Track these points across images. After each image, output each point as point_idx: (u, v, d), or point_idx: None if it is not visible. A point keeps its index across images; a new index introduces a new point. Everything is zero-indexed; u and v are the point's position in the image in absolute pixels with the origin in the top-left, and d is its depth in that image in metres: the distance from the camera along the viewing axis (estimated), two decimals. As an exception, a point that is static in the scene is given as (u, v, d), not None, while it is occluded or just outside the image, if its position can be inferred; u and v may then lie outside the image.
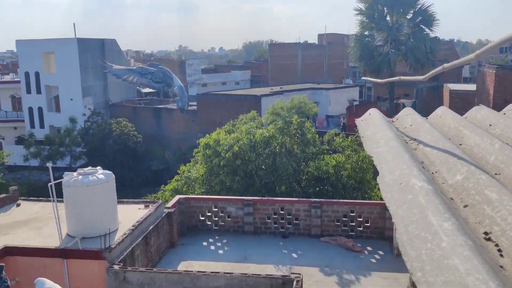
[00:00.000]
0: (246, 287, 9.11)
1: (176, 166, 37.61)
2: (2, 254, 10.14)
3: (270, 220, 13.60)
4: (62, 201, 12.58)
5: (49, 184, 10.21)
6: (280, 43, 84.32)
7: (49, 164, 10.47)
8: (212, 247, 13.17)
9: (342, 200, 14.11)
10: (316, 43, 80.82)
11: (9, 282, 3.23)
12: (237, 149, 15.97)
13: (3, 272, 3.24)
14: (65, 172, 11.41)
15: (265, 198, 14.13)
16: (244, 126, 16.98)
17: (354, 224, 13.23)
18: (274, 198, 14.01)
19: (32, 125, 41.76)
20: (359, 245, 12.61)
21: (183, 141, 40.38)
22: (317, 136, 17.76)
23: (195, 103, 43.27)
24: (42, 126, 41.47)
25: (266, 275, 9.19)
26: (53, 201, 10.23)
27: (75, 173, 11.14)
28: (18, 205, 13.25)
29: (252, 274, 9.24)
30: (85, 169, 11.32)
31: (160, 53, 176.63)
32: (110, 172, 11.49)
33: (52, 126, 41.15)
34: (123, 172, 33.55)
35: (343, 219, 13.28)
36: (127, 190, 32.05)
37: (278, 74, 63.66)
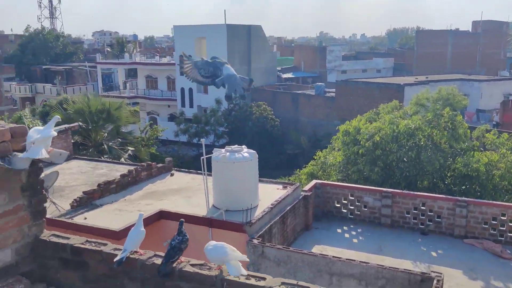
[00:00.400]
0: (382, 279, 8.93)
1: (311, 151, 38.00)
2: (158, 217, 11.34)
3: (409, 215, 13.08)
4: (209, 174, 13.63)
5: (201, 158, 11.12)
6: (428, 30, 79.25)
7: (202, 140, 11.38)
8: (347, 235, 13.12)
9: (492, 202, 12.97)
10: (470, 30, 74.26)
11: (188, 236, 3.62)
12: (378, 138, 15.56)
13: (183, 226, 3.64)
14: (215, 148, 12.31)
15: (406, 191, 13.59)
16: (388, 115, 16.44)
17: (504, 228, 12.09)
18: (416, 193, 13.41)
19: (183, 104, 45.48)
20: (509, 252, 11.52)
21: (319, 127, 40.53)
22: (469, 131, 16.47)
23: (333, 90, 43.04)
24: (191, 105, 44.93)
25: (404, 269, 8.90)
26: (204, 174, 11.11)
27: (223, 150, 11.94)
28: (172, 174, 14.64)
29: (389, 267, 9.03)
30: (232, 146, 12.04)
31: (300, 39, 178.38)
32: (254, 151, 12.08)
33: (199, 106, 44.36)
34: (259, 153, 34.69)
35: (492, 222, 12.22)
36: (262, 171, 33.21)
37: (424, 62, 60.04)
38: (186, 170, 15.46)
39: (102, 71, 54.19)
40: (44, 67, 59.33)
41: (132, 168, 14.10)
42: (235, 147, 12.00)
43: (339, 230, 13.34)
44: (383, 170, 15.72)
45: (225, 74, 5.19)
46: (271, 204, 11.52)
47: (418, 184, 15.24)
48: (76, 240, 3.82)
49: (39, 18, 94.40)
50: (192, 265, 3.48)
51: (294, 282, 3.12)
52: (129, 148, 23.92)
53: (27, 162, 3.45)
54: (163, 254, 3.59)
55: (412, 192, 13.41)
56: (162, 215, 11.43)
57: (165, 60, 51.75)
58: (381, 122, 16.36)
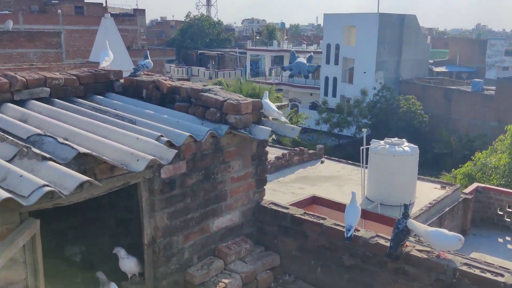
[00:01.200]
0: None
1: (460, 152, 35.25)
2: (310, 201, 11.57)
3: None
4: (358, 165, 13.51)
5: (361, 147, 11.04)
6: None
7: (364, 130, 11.25)
8: (509, 246, 12.02)
9: None
10: None
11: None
12: (555, 144, 13.83)
13: (408, 209, 3.66)
14: (373, 140, 12.12)
15: None
16: None
17: None
18: None
19: (326, 93, 45.40)
20: None
21: (472, 127, 37.38)
22: None
23: (493, 87, 39.21)
24: (334, 95, 44.61)
25: None
26: (362, 166, 11.02)
27: (382, 142, 11.70)
28: (322, 162, 14.82)
29: None
30: (392, 139, 11.76)
31: (454, 31, 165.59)
32: (416, 146, 11.64)
33: (343, 96, 43.85)
34: (404, 149, 33.37)
35: None
36: (406, 168, 31.78)
37: None
38: (336, 158, 15.52)
39: (251, 57, 56.58)
40: (199, 51, 64.00)
41: (285, 151, 14.58)
42: (395, 139, 11.73)
43: (500, 240, 12.25)
44: (558, 180, 13.97)
45: (294, 62, 5.60)
46: (429, 203, 11.05)
47: None
48: (295, 211, 4.09)
49: (197, 6, 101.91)
50: (419, 250, 3.48)
51: (542, 284, 2.93)
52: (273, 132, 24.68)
53: (267, 133, 3.77)
54: (383, 234, 3.65)
55: None
56: (315, 200, 11.61)
57: (311, 48, 52.05)
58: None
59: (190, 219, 3.67)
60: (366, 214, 10.79)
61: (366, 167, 11.73)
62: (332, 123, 37.91)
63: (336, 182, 13.11)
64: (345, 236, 3.60)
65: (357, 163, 14.55)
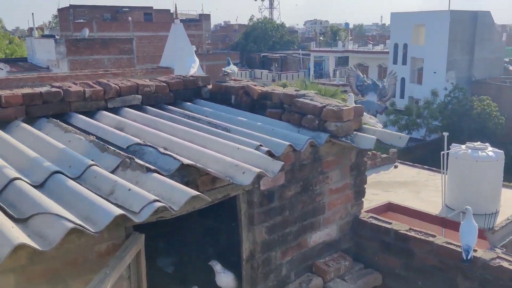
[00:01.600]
0: None
1: (541, 156, 32.87)
2: (386, 208, 11.10)
3: None
4: (437, 171, 12.83)
5: (442, 152, 10.46)
6: None
7: (445, 133, 10.68)
8: None
9: None
10: None
11: None
12: None
13: None
14: (453, 144, 11.47)
15: None
16: None
17: None
18: None
19: (393, 95, 43.95)
20: None
21: (554, 129, 34.77)
22: None
23: None
24: (402, 96, 43.06)
25: None
26: (443, 172, 10.43)
27: (463, 146, 11.05)
28: (395, 166, 14.23)
29: None
30: (475, 143, 11.09)
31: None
32: (501, 151, 10.88)
33: (411, 97, 42.30)
34: (478, 153, 31.55)
35: None
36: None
37: None
38: (411, 163, 14.88)
39: (314, 59, 56.05)
40: (262, 54, 64.33)
41: (356, 156, 14.16)
42: (477, 144, 11.04)
43: None
44: None
45: (366, 100, 5.37)
46: (518, 212, 10.26)
47: None
48: (399, 226, 3.81)
49: (260, 9, 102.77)
50: (555, 278, 3.11)
51: None
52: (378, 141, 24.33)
53: (372, 142, 3.52)
54: (506, 256, 3.31)
55: None
56: (390, 208, 11.15)
57: (378, 48, 50.73)
58: None
59: (288, 234, 3.50)
60: (446, 223, 10.20)
61: (446, 173, 11.11)
62: (401, 125, 36.64)
63: (412, 188, 12.54)
64: (464, 258, 3.26)
65: (433, 168, 13.85)
